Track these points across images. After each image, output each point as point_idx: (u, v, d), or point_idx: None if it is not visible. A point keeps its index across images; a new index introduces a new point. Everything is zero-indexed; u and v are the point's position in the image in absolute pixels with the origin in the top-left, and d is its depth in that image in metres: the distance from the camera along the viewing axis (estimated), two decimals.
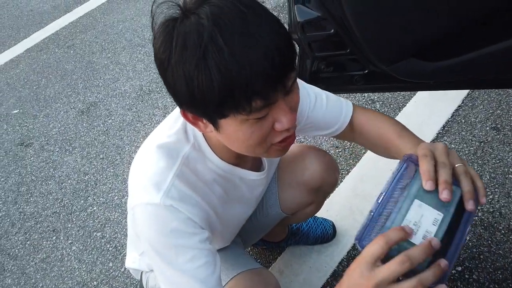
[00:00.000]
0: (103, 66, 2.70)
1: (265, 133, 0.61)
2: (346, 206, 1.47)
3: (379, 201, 0.59)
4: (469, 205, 0.57)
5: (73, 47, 2.99)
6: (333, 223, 1.39)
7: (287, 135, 0.63)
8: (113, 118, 2.24)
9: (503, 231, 1.28)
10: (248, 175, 0.82)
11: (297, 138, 1.02)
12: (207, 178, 0.75)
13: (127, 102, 2.32)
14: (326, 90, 1.47)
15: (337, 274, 1.29)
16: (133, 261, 1.02)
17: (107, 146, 2.06)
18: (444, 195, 0.56)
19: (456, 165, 0.60)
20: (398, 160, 0.66)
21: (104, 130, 2.17)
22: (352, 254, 1.33)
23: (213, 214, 0.77)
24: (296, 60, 0.61)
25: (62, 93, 2.54)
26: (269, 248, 1.41)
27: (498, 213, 1.32)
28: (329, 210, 1.43)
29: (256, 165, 0.85)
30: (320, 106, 0.88)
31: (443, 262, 0.52)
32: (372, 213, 0.58)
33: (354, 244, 1.35)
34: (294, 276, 1.31)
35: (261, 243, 1.39)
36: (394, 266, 0.50)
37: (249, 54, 0.52)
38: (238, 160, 0.77)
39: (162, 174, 0.69)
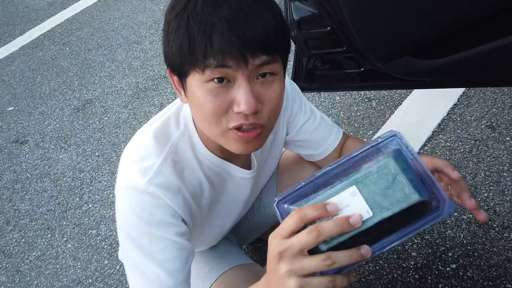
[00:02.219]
0: (99, 63, 2.68)
1: (219, 106, 0.59)
2: None
3: (325, 169, 0.53)
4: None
5: (69, 44, 2.97)
6: None
7: (243, 122, 0.60)
8: (108, 115, 2.23)
9: (497, 229, 1.28)
10: (236, 172, 0.81)
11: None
12: (194, 167, 0.75)
13: (123, 100, 2.31)
14: (322, 88, 1.47)
15: None
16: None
17: (102, 144, 2.05)
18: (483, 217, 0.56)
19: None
20: None
21: (100, 127, 2.16)
22: None
23: (196, 207, 0.76)
24: (280, 49, 0.61)
25: (58, 90, 2.53)
26: (265, 245, 1.41)
27: (492, 211, 1.33)
28: None
29: (247, 164, 0.84)
30: (312, 123, 0.89)
31: (365, 248, 0.47)
32: (304, 182, 0.53)
33: None
34: None
35: (256, 241, 1.38)
36: (301, 235, 0.47)
37: (217, 12, 0.55)
38: (228, 155, 0.76)
39: (149, 159, 0.69)
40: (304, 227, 0.48)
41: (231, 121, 0.61)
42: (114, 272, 1.45)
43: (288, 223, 0.49)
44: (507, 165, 1.46)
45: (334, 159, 0.90)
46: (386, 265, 1.27)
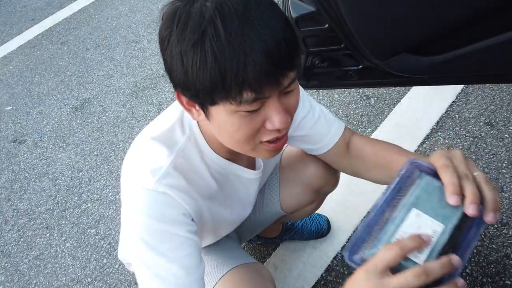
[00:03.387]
0: (97, 62, 2.68)
1: (254, 129, 0.60)
2: (341, 202, 1.47)
3: (374, 211, 0.54)
4: (489, 217, 0.51)
5: (67, 44, 2.96)
6: (327, 218, 1.40)
7: (277, 136, 0.62)
8: (107, 114, 2.23)
9: (496, 226, 1.28)
10: (243, 173, 0.81)
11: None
12: (202, 171, 0.75)
13: (121, 99, 2.31)
14: (321, 86, 1.47)
15: (331, 269, 1.29)
16: (124, 251, 1.02)
17: (101, 143, 2.05)
18: (471, 211, 0.50)
19: (475, 174, 0.55)
20: None
21: (98, 126, 2.15)
22: None
23: (205, 209, 0.76)
24: (298, 61, 0.59)
25: (56, 89, 2.52)
26: (264, 243, 1.41)
27: None
28: (324, 206, 1.43)
29: (252, 163, 0.84)
30: (311, 117, 0.88)
31: (453, 257, 0.47)
32: (365, 224, 0.53)
33: (348, 238, 1.36)
34: (288, 271, 1.31)
35: (256, 239, 1.39)
36: (410, 277, 0.45)
37: (246, 43, 0.52)
38: (233, 156, 0.77)
39: (158, 162, 0.69)
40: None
41: (263, 136, 0.62)
42: (113, 271, 1.45)
43: (386, 257, 0.47)
44: (506, 162, 1.46)
45: (338, 154, 0.91)
46: None
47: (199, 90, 0.56)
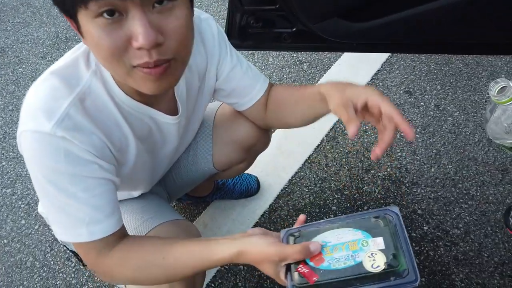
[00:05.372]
0: (11, 8, 2.40)
1: (116, 43, 0.54)
2: (271, 163, 1.52)
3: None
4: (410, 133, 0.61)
5: None
6: (257, 178, 1.44)
7: (147, 60, 0.55)
8: (24, 66, 2.03)
9: (407, 185, 1.42)
10: (158, 116, 0.76)
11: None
12: (111, 111, 0.69)
13: (41, 50, 2.11)
14: (255, 47, 1.46)
15: (258, 226, 1.35)
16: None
17: (17, 97, 1.87)
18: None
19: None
20: None
21: (14, 79, 1.96)
22: (274, 207, 1.39)
23: (117, 152, 0.72)
24: None
25: None
26: (194, 203, 1.42)
27: (404, 169, 1.46)
28: (254, 166, 1.46)
29: (170, 109, 0.79)
30: (239, 70, 0.87)
31: (314, 245, 0.61)
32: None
33: (275, 197, 1.42)
34: (217, 229, 1.35)
35: (186, 198, 1.39)
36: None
37: None
38: (146, 98, 0.71)
39: (56, 101, 0.62)
40: None
41: (133, 59, 0.56)
42: (33, 232, 1.38)
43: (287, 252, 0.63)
44: (420, 128, 1.60)
45: (261, 109, 0.92)
46: (309, 218, 1.35)
47: None
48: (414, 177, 1.43)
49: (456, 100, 1.70)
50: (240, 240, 0.65)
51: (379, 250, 0.59)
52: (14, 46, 2.15)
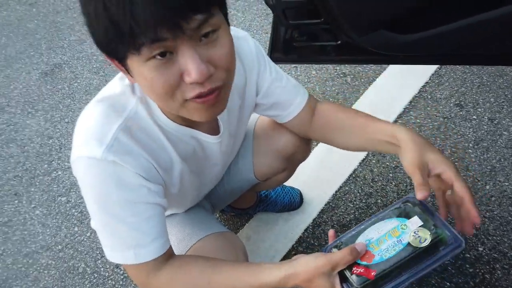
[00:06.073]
0: (68, 26, 2.57)
1: (169, 82, 0.56)
2: (314, 176, 1.50)
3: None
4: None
5: (36, 5, 2.82)
6: (300, 191, 1.43)
7: (201, 91, 0.57)
8: (79, 81, 2.16)
9: None
10: (201, 136, 0.78)
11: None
12: (156, 134, 0.71)
13: (94, 66, 2.23)
14: (299, 60, 1.46)
15: (302, 241, 1.33)
16: None
17: (72, 110, 1.99)
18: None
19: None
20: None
21: (70, 93, 2.09)
22: (317, 222, 1.37)
23: (164, 173, 0.74)
24: (210, 5, 0.54)
25: (24, 53, 2.41)
26: (237, 214, 1.43)
27: None
28: (297, 180, 1.46)
29: (212, 129, 0.81)
30: (279, 83, 0.88)
31: (359, 245, 0.63)
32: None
33: (319, 212, 1.40)
34: (261, 242, 1.34)
35: (229, 210, 1.40)
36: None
37: None
38: (190, 121, 0.72)
39: (105, 126, 0.65)
40: None
41: (186, 92, 0.57)
42: (85, 239, 1.44)
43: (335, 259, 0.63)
44: (472, 143, 1.52)
45: (302, 122, 0.92)
46: None
47: (103, 44, 0.55)
48: None
49: (511, 113, 1.61)
50: (287, 264, 0.65)
51: (419, 227, 0.63)
52: (70, 62, 2.28)
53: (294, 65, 2.04)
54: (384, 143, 0.79)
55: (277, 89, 0.88)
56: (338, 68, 1.98)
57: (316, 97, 0.94)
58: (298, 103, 0.90)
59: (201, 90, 0.57)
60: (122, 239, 0.68)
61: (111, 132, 0.65)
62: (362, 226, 0.68)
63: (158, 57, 0.54)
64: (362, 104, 1.75)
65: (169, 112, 0.70)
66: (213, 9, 0.55)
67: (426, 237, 0.61)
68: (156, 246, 0.69)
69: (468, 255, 1.20)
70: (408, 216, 0.66)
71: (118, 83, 0.72)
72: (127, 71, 0.60)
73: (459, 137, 1.56)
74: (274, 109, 0.92)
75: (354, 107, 1.74)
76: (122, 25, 0.50)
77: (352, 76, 1.92)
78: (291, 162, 1.09)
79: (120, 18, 0.50)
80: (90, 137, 0.65)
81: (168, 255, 0.72)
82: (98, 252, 1.39)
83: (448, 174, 0.67)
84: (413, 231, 0.63)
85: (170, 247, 0.73)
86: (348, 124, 0.87)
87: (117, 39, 0.52)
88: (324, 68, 1.99)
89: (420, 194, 0.64)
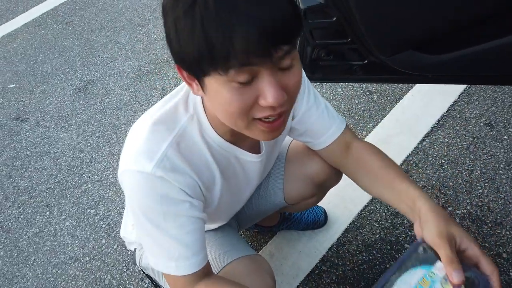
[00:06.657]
0: (101, 44, 2.68)
1: (246, 103, 0.59)
2: (339, 194, 1.49)
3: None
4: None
5: (72, 24, 2.95)
6: (324, 210, 1.42)
7: (271, 114, 0.60)
8: (110, 97, 2.23)
9: (490, 225, 1.31)
10: (243, 155, 0.81)
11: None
12: (203, 151, 0.75)
13: (125, 82, 2.31)
14: (325, 79, 1.47)
15: (326, 259, 1.32)
16: (127, 231, 1.04)
17: (103, 125, 2.06)
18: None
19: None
20: None
21: (101, 108, 2.16)
22: (342, 241, 1.36)
23: (205, 190, 0.77)
24: (296, 36, 0.57)
25: (60, 69, 2.52)
26: (261, 232, 1.43)
27: (486, 207, 1.35)
28: None
29: (254, 148, 0.84)
30: (315, 110, 0.88)
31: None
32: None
33: (344, 231, 1.38)
34: (284, 260, 1.34)
35: (253, 227, 1.41)
36: None
37: (235, 12, 0.52)
38: (235, 138, 0.77)
39: (156, 144, 0.69)
40: None
41: (257, 113, 0.60)
42: (112, 251, 1.47)
43: None
44: (503, 163, 1.48)
45: (336, 152, 0.91)
46: (379, 255, 1.30)
47: (190, 60, 0.57)
48: (498, 217, 1.32)
49: None
50: None
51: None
52: (102, 79, 2.37)
53: (320, 83, 2.05)
54: (404, 206, 0.76)
55: (312, 116, 0.88)
56: (364, 86, 1.97)
57: (341, 115, 0.93)
58: (331, 134, 0.90)
59: (271, 113, 0.60)
60: (165, 249, 0.72)
61: (161, 149, 0.69)
62: (390, 275, 0.64)
63: (241, 82, 0.56)
64: (389, 122, 1.74)
65: (219, 127, 0.73)
66: (295, 42, 0.58)
67: None
68: (197, 260, 0.73)
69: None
70: (429, 262, 0.62)
71: (173, 99, 0.75)
72: (200, 85, 0.62)
73: (489, 157, 1.51)
74: (306, 135, 0.92)
75: (380, 125, 1.73)
76: (219, 48, 0.53)
77: (378, 94, 1.91)
78: (322, 189, 1.09)
79: (218, 41, 0.52)
80: (141, 152, 0.69)
81: (206, 270, 0.76)
82: (124, 265, 1.42)
83: (475, 251, 0.64)
84: (443, 279, 0.60)
85: (208, 263, 0.76)
86: (379, 173, 0.84)
87: (208, 60, 0.55)
88: (350, 86, 1.99)
89: (456, 278, 0.58)
